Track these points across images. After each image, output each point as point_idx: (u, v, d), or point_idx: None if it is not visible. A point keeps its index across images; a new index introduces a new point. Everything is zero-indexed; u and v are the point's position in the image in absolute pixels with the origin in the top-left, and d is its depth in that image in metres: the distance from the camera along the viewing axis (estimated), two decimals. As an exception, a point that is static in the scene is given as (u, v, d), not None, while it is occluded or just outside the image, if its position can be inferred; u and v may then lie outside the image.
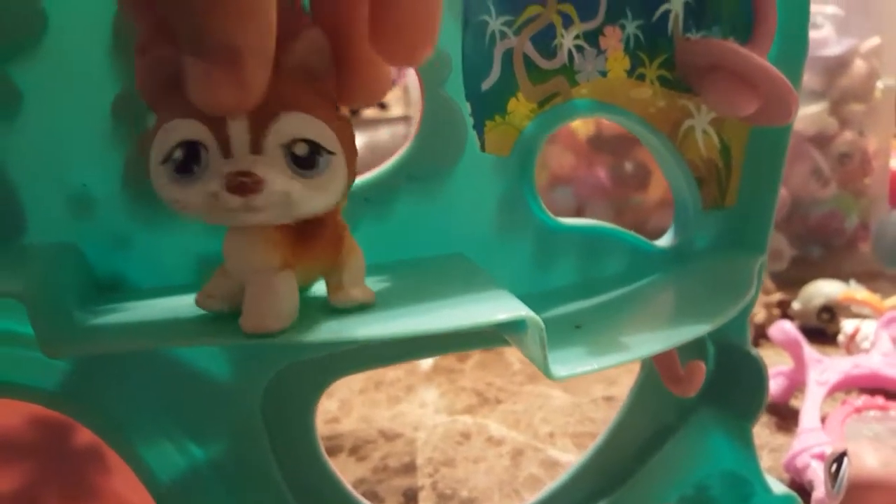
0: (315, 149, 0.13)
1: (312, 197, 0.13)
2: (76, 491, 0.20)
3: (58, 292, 0.15)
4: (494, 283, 0.17)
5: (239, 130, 0.12)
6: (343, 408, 0.39)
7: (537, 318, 0.15)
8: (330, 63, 0.14)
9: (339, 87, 0.14)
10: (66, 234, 0.17)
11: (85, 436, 0.19)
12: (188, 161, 0.12)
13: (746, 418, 0.25)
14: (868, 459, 0.25)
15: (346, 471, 0.33)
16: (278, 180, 0.12)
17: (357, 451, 0.34)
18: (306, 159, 0.13)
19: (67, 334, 0.15)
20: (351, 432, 0.36)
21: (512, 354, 0.44)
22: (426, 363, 0.43)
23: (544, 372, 0.15)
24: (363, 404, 0.39)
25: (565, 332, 0.18)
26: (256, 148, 0.12)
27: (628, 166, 0.51)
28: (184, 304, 0.16)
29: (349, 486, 0.22)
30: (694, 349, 0.24)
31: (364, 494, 0.23)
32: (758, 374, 0.25)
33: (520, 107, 0.20)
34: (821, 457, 0.30)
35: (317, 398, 0.21)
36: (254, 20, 0.11)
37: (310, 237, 0.14)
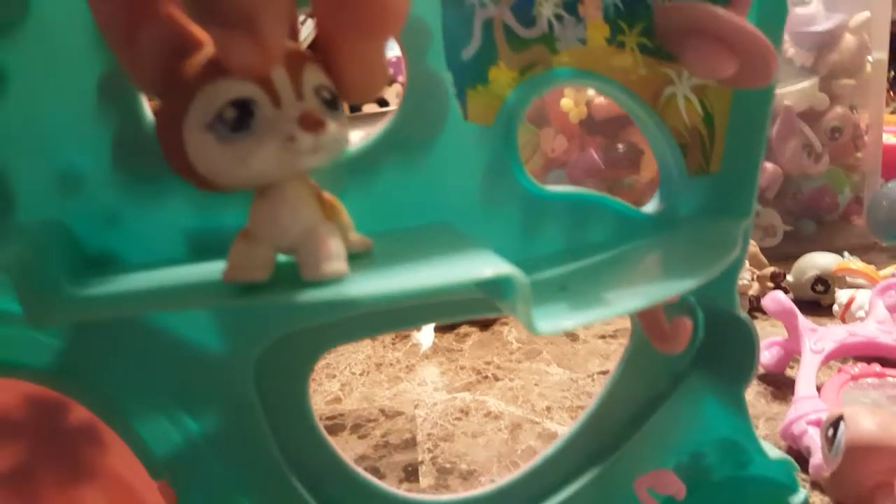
0: (332, 93, 0.14)
1: (346, 135, 0.14)
2: (72, 468, 0.20)
3: (44, 264, 0.15)
4: (480, 247, 0.17)
5: (283, 82, 0.13)
6: (344, 388, 0.39)
7: (521, 273, 0.15)
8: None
9: (338, 83, 0.14)
10: (54, 211, 0.18)
11: (80, 413, 0.19)
12: (243, 117, 0.13)
13: (738, 383, 0.25)
14: (865, 422, 0.25)
15: (347, 448, 0.33)
16: (327, 119, 0.13)
17: (358, 429, 0.35)
18: (332, 101, 0.14)
19: (53, 302, 0.15)
20: (352, 411, 0.36)
21: (510, 333, 0.44)
22: (426, 344, 0.44)
23: (529, 327, 0.15)
24: (364, 384, 0.39)
25: (550, 293, 0.18)
26: (299, 95, 0.13)
27: (620, 147, 0.51)
28: (171, 275, 0.17)
29: (345, 457, 0.22)
30: (683, 313, 0.24)
31: (366, 470, 0.23)
32: (748, 337, 0.25)
33: (501, 75, 0.20)
34: (817, 423, 0.30)
35: (310, 369, 0.21)
36: None
37: (316, 192, 0.15)
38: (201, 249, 0.19)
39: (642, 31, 0.22)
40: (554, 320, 0.16)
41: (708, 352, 0.26)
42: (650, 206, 0.24)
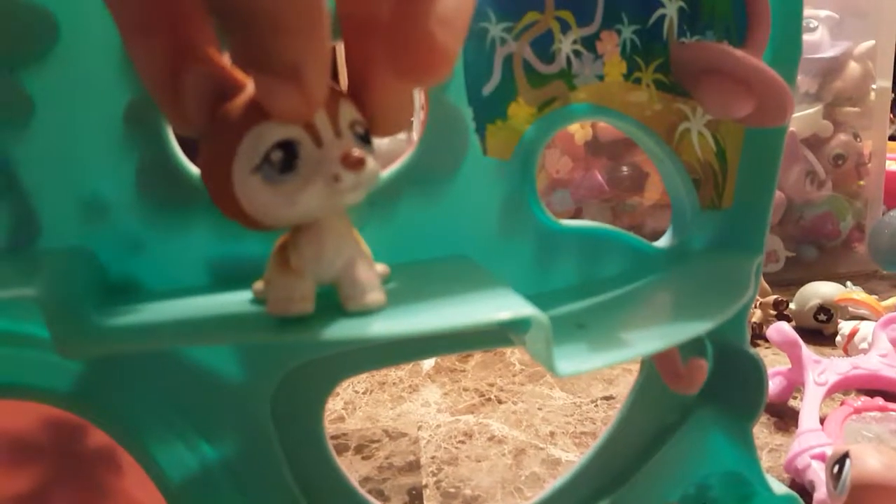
0: (365, 128, 0.14)
1: (379, 169, 0.14)
2: (88, 492, 0.20)
3: (72, 294, 0.15)
4: (499, 283, 0.17)
5: (324, 122, 0.13)
6: (348, 407, 0.39)
7: (543, 315, 0.15)
8: None
9: (368, 118, 0.15)
10: (79, 238, 0.18)
11: (97, 437, 0.19)
12: (289, 159, 0.13)
13: (746, 418, 0.26)
14: (871, 461, 0.25)
15: (351, 469, 0.33)
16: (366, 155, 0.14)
17: (362, 449, 0.35)
18: (365, 136, 0.14)
19: (83, 335, 0.15)
20: (356, 431, 0.36)
21: (513, 355, 0.44)
22: (428, 363, 0.44)
23: (550, 369, 0.15)
24: (368, 404, 0.39)
25: (569, 330, 0.18)
26: (337, 132, 0.14)
27: (625, 169, 0.51)
28: (197, 305, 0.17)
29: (357, 486, 0.22)
30: (694, 349, 0.24)
31: (370, 492, 0.23)
32: (756, 373, 0.25)
33: (520, 111, 0.20)
34: (821, 457, 0.30)
35: (325, 398, 0.21)
36: (313, 39, 0.12)
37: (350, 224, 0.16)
38: (223, 278, 0.19)
39: (658, 68, 0.22)
40: (575, 361, 0.16)
41: (716, 385, 0.26)
42: (663, 241, 0.24)
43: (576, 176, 0.52)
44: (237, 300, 0.17)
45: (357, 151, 0.13)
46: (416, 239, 0.20)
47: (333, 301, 0.16)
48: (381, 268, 0.17)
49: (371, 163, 0.14)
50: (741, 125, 0.24)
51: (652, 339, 0.18)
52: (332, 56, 0.14)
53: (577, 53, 0.21)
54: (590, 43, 0.21)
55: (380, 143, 0.16)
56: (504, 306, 0.16)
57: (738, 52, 0.22)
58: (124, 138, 0.18)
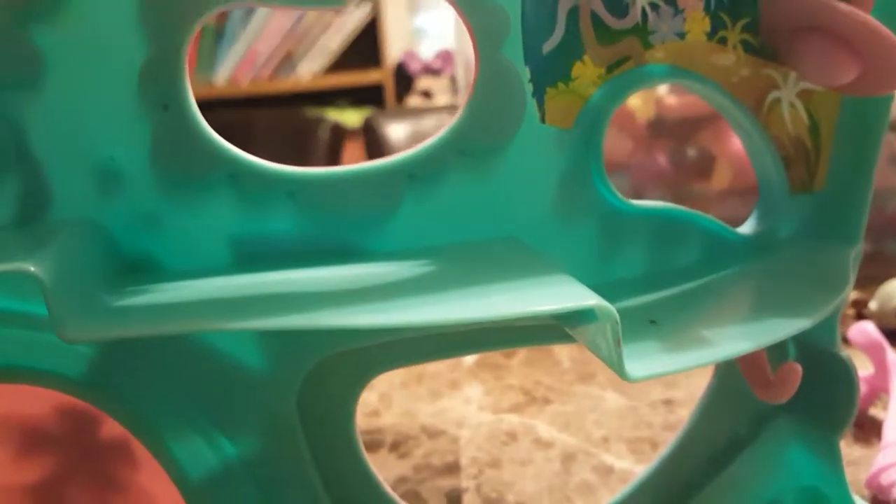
0: None
1: None
2: (102, 484, 0.19)
3: (77, 271, 0.14)
4: (556, 268, 0.15)
5: None
6: (383, 401, 0.37)
7: (611, 307, 0.13)
8: None
9: None
10: (91, 210, 0.16)
11: (112, 428, 0.18)
12: None
13: (832, 430, 0.23)
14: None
15: (387, 467, 0.31)
16: None
17: (398, 447, 0.33)
18: None
19: (86, 317, 0.14)
20: (392, 427, 0.35)
21: (561, 352, 0.42)
22: (470, 358, 0.41)
23: (618, 372, 0.13)
24: (405, 398, 0.37)
25: (638, 327, 0.16)
26: None
27: (691, 152, 0.48)
28: (217, 286, 0.15)
29: (391, 491, 0.20)
30: (776, 351, 0.22)
31: (406, 494, 0.21)
32: (847, 380, 0.22)
33: (586, 72, 0.18)
34: (909, 473, 0.27)
35: (357, 394, 0.19)
36: None
37: None
38: (246, 257, 0.17)
39: (746, 27, 0.20)
40: (647, 363, 0.13)
41: (799, 392, 0.23)
42: (746, 227, 0.21)
43: (636, 158, 0.48)
44: (260, 281, 0.16)
45: None
46: (462, 217, 0.18)
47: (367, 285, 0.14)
48: None
49: None
50: (838, 93, 0.21)
51: (738, 338, 0.15)
52: None
53: (653, 6, 0.18)
54: (668, -5, 0.18)
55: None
56: (563, 295, 0.13)
57: (843, 5, 0.19)
58: (140, 101, 0.16)
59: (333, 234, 0.17)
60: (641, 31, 0.18)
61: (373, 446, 0.33)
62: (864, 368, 0.35)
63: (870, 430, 0.33)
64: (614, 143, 0.48)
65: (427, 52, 1.40)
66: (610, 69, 0.18)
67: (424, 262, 0.16)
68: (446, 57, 1.34)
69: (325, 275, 0.16)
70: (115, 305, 0.14)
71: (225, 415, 0.18)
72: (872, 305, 0.44)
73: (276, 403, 0.18)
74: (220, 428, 0.18)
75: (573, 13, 0.17)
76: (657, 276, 0.19)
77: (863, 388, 0.36)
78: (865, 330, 0.35)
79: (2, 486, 0.19)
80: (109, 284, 0.15)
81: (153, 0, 0.15)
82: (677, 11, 0.18)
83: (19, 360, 0.17)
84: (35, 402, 0.18)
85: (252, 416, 0.18)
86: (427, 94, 1.36)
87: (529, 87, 0.17)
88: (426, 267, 0.15)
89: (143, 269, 0.17)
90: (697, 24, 0.19)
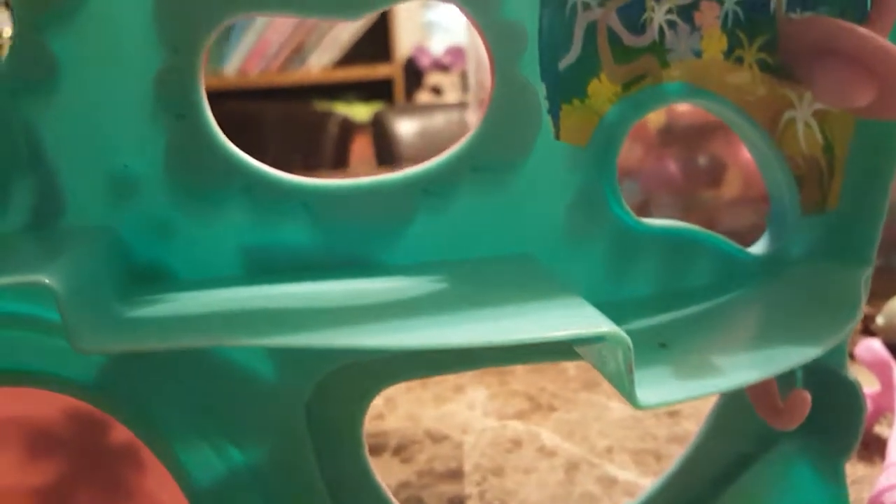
0: None
1: None
2: (109, 488, 0.19)
3: (93, 283, 0.14)
4: (568, 290, 0.15)
5: None
6: (388, 404, 0.37)
7: (624, 335, 0.13)
8: None
9: None
10: (105, 217, 0.16)
11: (120, 432, 0.18)
12: None
13: (837, 453, 0.23)
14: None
15: (390, 472, 0.31)
16: None
17: (402, 451, 0.33)
18: None
19: (102, 329, 0.14)
20: (396, 430, 0.35)
21: (566, 358, 0.42)
22: (475, 362, 0.41)
23: (629, 399, 0.13)
24: (409, 402, 0.37)
25: (648, 350, 0.15)
26: None
27: (701, 160, 0.47)
28: (230, 298, 0.15)
29: (395, 502, 0.20)
30: (782, 374, 0.21)
31: (408, 499, 0.21)
32: (854, 402, 0.22)
33: (602, 89, 0.18)
34: (914, 493, 0.27)
35: (366, 406, 0.19)
36: None
37: None
38: (259, 268, 0.17)
39: (763, 46, 0.19)
40: (659, 390, 0.13)
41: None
42: (758, 247, 0.21)
43: (645, 165, 0.48)
44: (273, 294, 0.16)
45: None
46: (474, 234, 0.18)
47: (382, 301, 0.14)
48: None
49: None
50: (852, 115, 0.21)
51: (748, 367, 0.15)
52: None
53: (671, 24, 0.18)
54: (687, 13, 0.18)
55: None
56: (577, 320, 0.13)
57: (860, 30, 0.18)
58: (156, 110, 0.16)
59: (346, 246, 0.17)
60: (659, 49, 0.18)
61: (376, 450, 0.33)
62: (869, 385, 0.35)
63: (874, 449, 0.33)
64: (624, 150, 0.48)
65: (438, 46, 1.39)
66: (626, 87, 0.18)
67: (437, 279, 0.16)
68: (457, 53, 1.33)
69: (338, 289, 0.16)
70: (129, 317, 0.14)
71: (234, 423, 0.18)
72: (879, 321, 0.44)
73: (285, 413, 0.18)
74: (228, 435, 0.18)
75: (590, 29, 0.17)
76: (668, 295, 0.19)
77: (868, 406, 0.35)
78: (872, 348, 0.34)
79: (9, 488, 0.19)
80: (122, 294, 0.15)
81: (168, 8, 0.15)
82: (694, 29, 0.18)
83: (28, 363, 0.17)
84: (43, 405, 0.18)
85: (261, 425, 0.18)
86: (437, 91, 1.35)
87: (545, 104, 0.17)
88: (439, 284, 0.15)
89: (156, 278, 0.17)
90: (714, 42, 0.19)
